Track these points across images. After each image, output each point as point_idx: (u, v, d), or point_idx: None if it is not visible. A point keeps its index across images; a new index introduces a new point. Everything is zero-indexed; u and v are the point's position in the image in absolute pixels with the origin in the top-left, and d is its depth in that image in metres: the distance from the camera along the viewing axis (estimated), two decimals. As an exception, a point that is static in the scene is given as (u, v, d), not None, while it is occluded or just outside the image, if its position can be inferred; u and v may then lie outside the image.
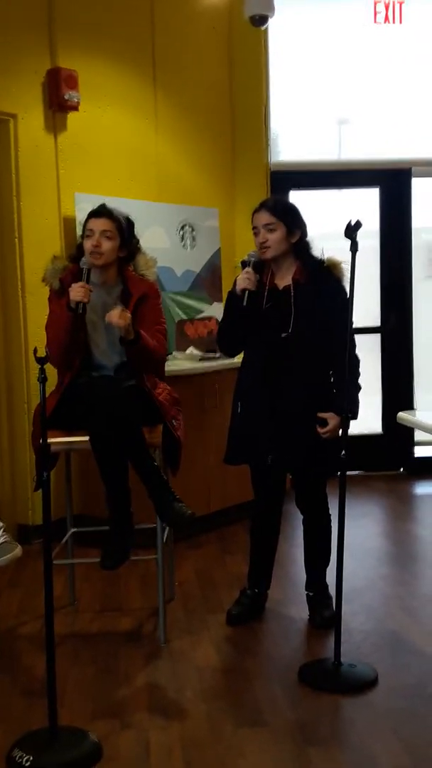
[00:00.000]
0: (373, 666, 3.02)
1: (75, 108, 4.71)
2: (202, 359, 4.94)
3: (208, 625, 3.49)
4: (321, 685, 2.91)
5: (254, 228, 3.32)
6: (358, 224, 2.89)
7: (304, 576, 3.56)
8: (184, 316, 5.39)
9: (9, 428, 4.70)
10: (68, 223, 4.71)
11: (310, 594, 3.52)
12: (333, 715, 2.74)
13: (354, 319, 3.03)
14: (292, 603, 3.66)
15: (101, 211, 3.36)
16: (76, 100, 4.69)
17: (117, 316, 3.15)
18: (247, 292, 3.26)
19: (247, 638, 3.35)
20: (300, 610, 3.56)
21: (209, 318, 5.51)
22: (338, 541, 3.05)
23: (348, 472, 3.03)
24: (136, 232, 3.49)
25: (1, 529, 2.96)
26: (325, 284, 3.28)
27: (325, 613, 3.41)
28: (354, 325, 3.04)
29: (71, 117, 4.77)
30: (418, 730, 2.61)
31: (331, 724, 2.69)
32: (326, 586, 3.49)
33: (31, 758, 2.46)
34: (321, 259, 3.34)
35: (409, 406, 6.14)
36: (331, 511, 3.44)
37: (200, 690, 2.92)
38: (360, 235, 2.91)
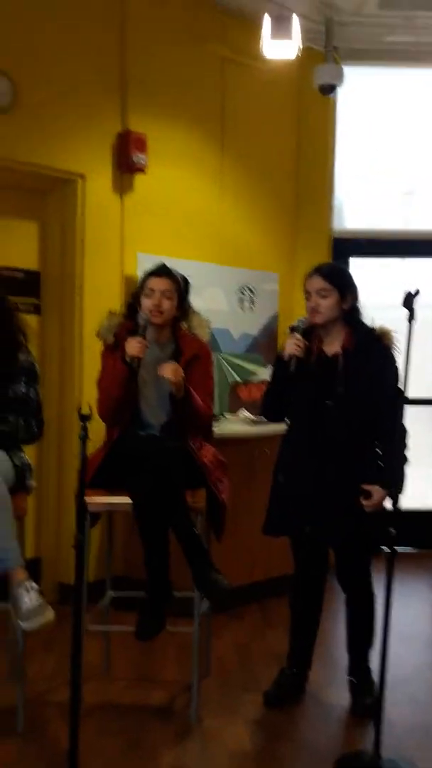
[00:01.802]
0: (416, 764, 2.84)
1: (142, 170, 4.79)
2: (254, 423, 4.87)
3: (244, 705, 3.35)
4: (358, 780, 2.75)
5: (306, 292, 3.28)
6: (417, 293, 2.81)
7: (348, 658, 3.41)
8: (238, 379, 5.34)
9: (58, 485, 4.68)
10: (130, 281, 4.73)
11: (352, 680, 3.36)
12: None
13: (409, 390, 2.92)
14: (333, 686, 3.50)
15: (162, 271, 3.39)
16: (143, 163, 4.76)
17: (171, 371, 3.14)
18: (294, 358, 3.20)
19: (283, 722, 3.21)
20: (341, 694, 3.39)
21: (263, 381, 5.43)
22: (383, 624, 2.89)
23: (398, 548, 2.88)
24: (191, 294, 3.49)
25: (35, 591, 2.89)
26: (375, 353, 3.20)
27: (366, 700, 3.24)
28: (410, 396, 2.94)
29: (138, 178, 4.84)
30: None
31: None
32: (369, 671, 3.33)
33: None
34: (371, 327, 3.27)
35: (467, 482, 5.95)
36: (376, 590, 3.29)
37: (230, 776, 2.78)
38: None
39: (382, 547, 2.91)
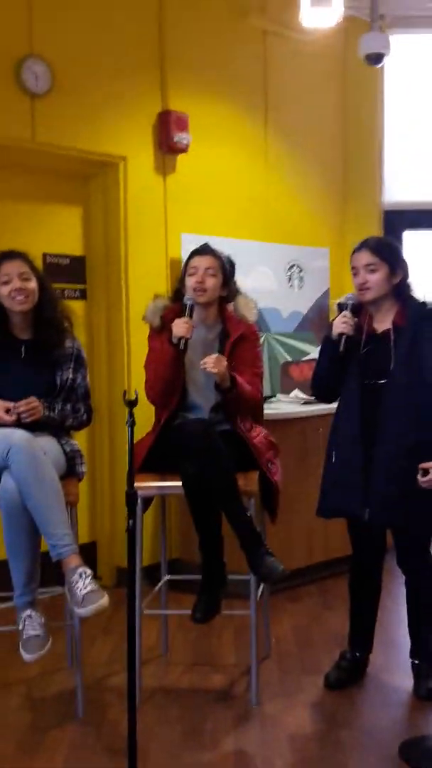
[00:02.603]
0: None
1: (184, 150, 4.73)
2: (306, 402, 4.80)
3: (304, 688, 3.30)
4: (423, 764, 2.69)
5: (353, 268, 3.18)
6: (471, 266, 2.71)
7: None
8: (289, 358, 5.27)
9: (110, 470, 4.69)
10: (174, 264, 4.69)
11: (415, 662, 3.28)
12: (434, 802, 2.51)
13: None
14: (395, 670, 3.42)
15: (205, 250, 3.36)
16: (185, 142, 4.70)
17: (213, 363, 3.09)
18: (344, 336, 3.11)
19: (344, 706, 3.15)
20: (404, 678, 3.32)
21: (315, 360, 5.34)
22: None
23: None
24: (237, 272, 3.43)
25: (89, 577, 2.87)
26: (428, 328, 3.10)
27: (430, 683, 3.17)
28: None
29: (180, 159, 4.78)
30: None
31: None
32: (432, 653, 3.25)
33: None
34: (423, 302, 3.16)
35: None
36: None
37: (290, 761, 2.74)
38: None
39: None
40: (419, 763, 2.70)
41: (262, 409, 3.55)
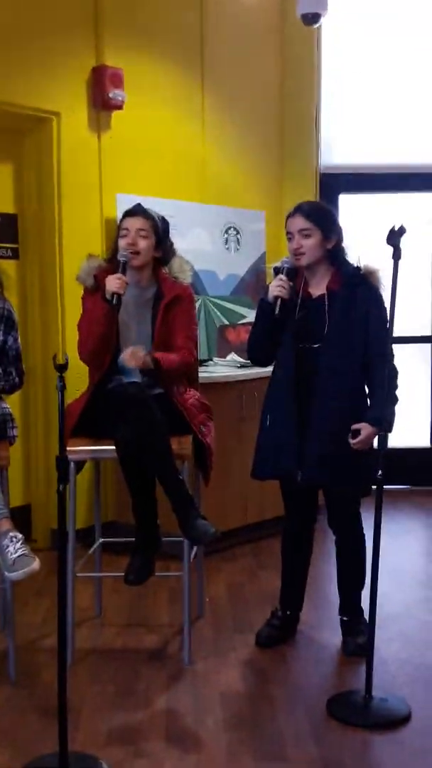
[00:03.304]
0: (405, 700, 2.84)
1: (120, 107, 4.62)
2: (242, 366, 4.80)
3: (236, 647, 3.34)
4: (350, 719, 2.74)
5: (288, 233, 3.17)
6: (402, 230, 2.72)
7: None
8: (226, 322, 5.25)
9: (45, 433, 4.63)
10: (110, 224, 4.60)
11: (344, 619, 3.34)
12: (360, 754, 2.57)
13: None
14: (325, 627, 3.49)
15: (136, 210, 3.29)
16: (120, 99, 4.59)
17: (128, 358, 3.07)
18: (279, 300, 3.10)
19: (275, 663, 3.19)
20: (333, 635, 3.38)
21: (252, 323, 5.34)
22: (372, 564, 2.86)
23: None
24: (173, 234, 3.38)
25: (20, 542, 2.85)
26: (361, 293, 3.11)
27: (358, 639, 3.23)
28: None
29: (116, 116, 4.68)
30: (451, 776, 2.43)
31: (358, 764, 2.51)
32: (361, 611, 3.30)
33: (38, 786, 2.34)
34: (357, 266, 3.16)
35: (458, 419, 5.93)
36: (366, 531, 3.25)
37: (222, 718, 2.76)
38: (412, 240, 2.73)
39: (372, 487, 2.85)
40: (346, 717, 2.75)
41: (197, 372, 3.53)
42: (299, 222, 3.13)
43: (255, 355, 3.39)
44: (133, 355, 3.08)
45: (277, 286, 3.13)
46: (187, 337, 3.26)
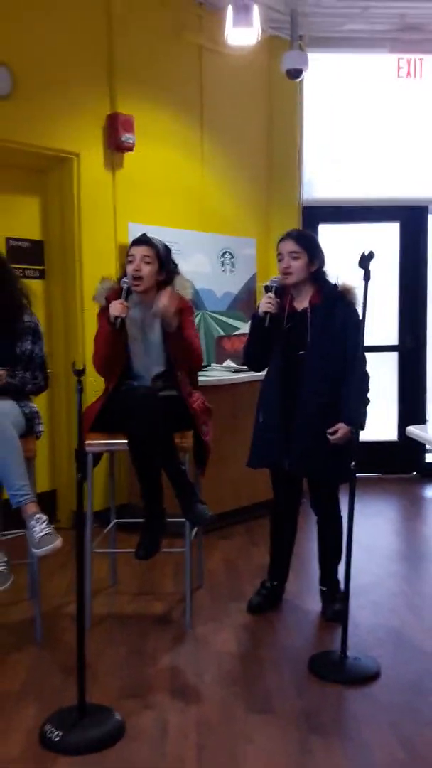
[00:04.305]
0: (376, 660, 2.82)
1: (131, 149, 4.59)
2: (236, 371, 4.77)
3: (231, 613, 3.31)
4: (327, 676, 2.72)
5: (279, 254, 3.15)
6: (371, 255, 2.70)
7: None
8: (222, 332, 5.23)
9: (68, 428, 4.60)
10: (122, 249, 4.56)
11: (323, 589, 3.32)
12: (336, 706, 2.54)
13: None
14: (307, 596, 3.46)
15: (141, 240, 3.24)
16: (131, 142, 4.57)
17: (165, 300, 3.00)
18: (268, 315, 3.09)
19: (264, 627, 3.17)
20: (314, 603, 3.36)
21: (244, 334, 5.31)
22: (347, 541, 2.84)
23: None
24: (176, 257, 3.35)
25: (45, 522, 2.83)
26: (339, 307, 3.09)
27: (335, 606, 3.21)
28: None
29: (127, 156, 4.65)
30: (414, 725, 2.41)
31: (334, 715, 2.49)
32: (338, 582, 3.29)
33: (60, 734, 2.32)
34: (335, 284, 3.15)
35: (422, 416, 5.90)
36: (343, 513, 3.24)
37: (218, 675, 2.75)
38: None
39: (347, 478, 2.82)
40: (325, 674, 2.73)
41: (197, 375, 3.50)
42: (289, 245, 3.12)
43: (250, 362, 3.37)
44: (170, 298, 3.02)
45: (266, 303, 3.11)
46: (195, 336, 3.23)
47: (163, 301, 3.02)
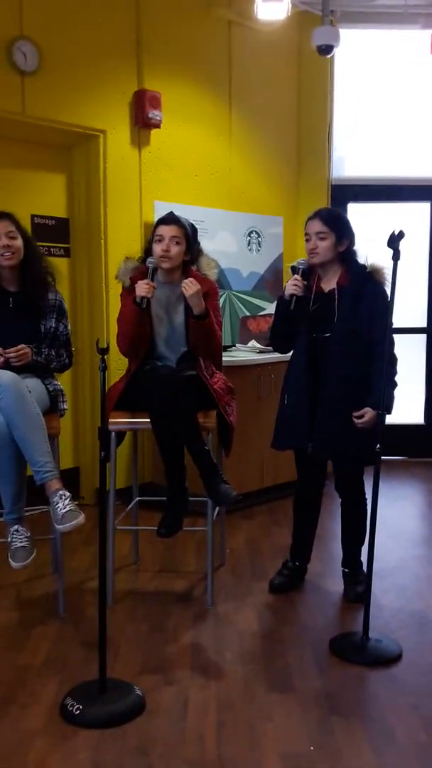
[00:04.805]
0: (398, 642, 2.80)
1: (158, 126, 4.56)
2: (261, 351, 4.75)
3: (252, 592, 3.31)
4: (349, 656, 2.71)
5: (306, 234, 3.10)
6: (401, 234, 2.64)
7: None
8: (247, 313, 5.19)
9: (92, 406, 4.62)
10: (148, 227, 4.53)
11: (346, 570, 3.30)
12: (357, 687, 2.53)
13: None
14: (329, 577, 3.45)
15: (170, 219, 3.19)
16: (159, 119, 4.53)
17: (189, 285, 3.01)
18: (294, 297, 3.05)
19: (285, 607, 3.17)
20: (336, 584, 3.35)
21: (270, 315, 5.27)
22: (371, 524, 2.82)
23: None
24: (203, 236, 3.32)
25: (68, 498, 2.84)
26: (367, 288, 3.04)
27: (357, 588, 3.19)
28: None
29: (154, 133, 4.61)
30: (436, 708, 2.39)
31: (355, 696, 2.48)
32: (360, 564, 3.27)
33: (81, 708, 2.34)
34: (364, 265, 3.09)
35: (449, 399, 5.83)
36: (367, 495, 3.21)
37: (239, 653, 2.75)
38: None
39: (372, 461, 2.79)
40: (346, 655, 2.72)
41: (221, 356, 3.48)
42: (317, 225, 3.07)
43: (276, 344, 3.33)
44: (193, 284, 3.02)
45: (292, 285, 3.07)
46: (216, 323, 3.21)
47: (188, 291, 3.00)
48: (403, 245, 2.67)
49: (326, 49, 4.99)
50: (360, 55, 5.60)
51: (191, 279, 3.05)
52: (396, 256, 2.68)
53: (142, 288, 3.02)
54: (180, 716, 2.34)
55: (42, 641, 2.83)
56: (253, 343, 5.03)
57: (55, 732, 2.26)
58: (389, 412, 2.94)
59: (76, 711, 2.33)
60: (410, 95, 5.64)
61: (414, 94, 5.64)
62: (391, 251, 2.68)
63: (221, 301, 4.66)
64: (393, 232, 2.66)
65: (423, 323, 5.85)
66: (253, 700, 2.43)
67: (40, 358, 3.09)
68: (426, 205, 5.80)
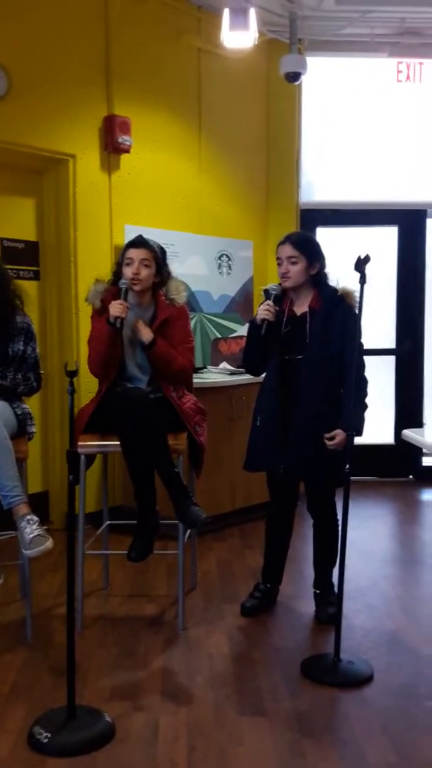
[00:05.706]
0: (370, 663, 2.81)
1: (127, 150, 4.60)
2: (232, 373, 4.77)
3: (224, 615, 3.30)
4: (320, 678, 2.70)
5: (278, 259, 3.14)
6: (367, 258, 2.69)
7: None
8: (218, 335, 5.22)
9: (61, 429, 4.59)
10: (118, 250, 4.48)
11: (317, 591, 3.31)
12: (329, 709, 2.53)
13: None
14: (301, 598, 3.45)
15: (139, 242, 3.23)
16: (128, 144, 4.57)
17: (140, 326, 3.12)
18: (265, 322, 3.08)
19: (257, 629, 3.16)
20: (308, 606, 3.35)
21: (241, 337, 5.32)
22: (341, 544, 2.83)
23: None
24: (173, 260, 3.35)
25: (36, 523, 2.81)
26: (338, 311, 3.08)
27: (329, 609, 3.19)
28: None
29: (124, 158, 4.66)
30: (406, 728, 2.39)
31: (327, 718, 2.47)
32: (332, 585, 3.28)
33: (50, 735, 2.30)
34: (335, 288, 3.13)
35: (418, 420, 5.90)
36: (339, 516, 3.22)
37: (210, 677, 2.73)
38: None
39: (342, 482, 2.81)
40: (318, 677, 2.72)
41: (191, 378, 3.49)
42: (288, 250, 3.10)
43: (248, 366, 3.35)
44: (142, 326, 3.11)
45: (264, 310, 3.10)
46: (186, 349, 3.22)
47: (139, 326, 3.13)
48: (370, 269, 2.72)
49: (294, 77, 5.11)
50: (328, 82, 5.72)
51: (142, 322, 3.12)
52: (362, 280, 2.72)
53: (116, 308, 3.04)
54: (150, 742, 2.31)
55: (9, 669, 2.78)
56: (224, 364, 5.06)
57: (23, 761, 2.22)
58: (360, 434, 2.97)
59: (44, 739, 2.29)
60: (377, 121, 5.77)
61: (381, 121, 5.76)
62: (358, 275, 2.72)
63: (192, 323, 4.68)
64: (359, 257, 2.71)
65: (391, 344, 5.94)
66: (224, 724, 2.41)
67: (6, 382, 3.07)
68: (394, 229, 5.91)
